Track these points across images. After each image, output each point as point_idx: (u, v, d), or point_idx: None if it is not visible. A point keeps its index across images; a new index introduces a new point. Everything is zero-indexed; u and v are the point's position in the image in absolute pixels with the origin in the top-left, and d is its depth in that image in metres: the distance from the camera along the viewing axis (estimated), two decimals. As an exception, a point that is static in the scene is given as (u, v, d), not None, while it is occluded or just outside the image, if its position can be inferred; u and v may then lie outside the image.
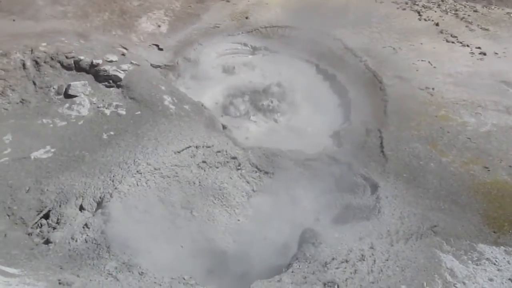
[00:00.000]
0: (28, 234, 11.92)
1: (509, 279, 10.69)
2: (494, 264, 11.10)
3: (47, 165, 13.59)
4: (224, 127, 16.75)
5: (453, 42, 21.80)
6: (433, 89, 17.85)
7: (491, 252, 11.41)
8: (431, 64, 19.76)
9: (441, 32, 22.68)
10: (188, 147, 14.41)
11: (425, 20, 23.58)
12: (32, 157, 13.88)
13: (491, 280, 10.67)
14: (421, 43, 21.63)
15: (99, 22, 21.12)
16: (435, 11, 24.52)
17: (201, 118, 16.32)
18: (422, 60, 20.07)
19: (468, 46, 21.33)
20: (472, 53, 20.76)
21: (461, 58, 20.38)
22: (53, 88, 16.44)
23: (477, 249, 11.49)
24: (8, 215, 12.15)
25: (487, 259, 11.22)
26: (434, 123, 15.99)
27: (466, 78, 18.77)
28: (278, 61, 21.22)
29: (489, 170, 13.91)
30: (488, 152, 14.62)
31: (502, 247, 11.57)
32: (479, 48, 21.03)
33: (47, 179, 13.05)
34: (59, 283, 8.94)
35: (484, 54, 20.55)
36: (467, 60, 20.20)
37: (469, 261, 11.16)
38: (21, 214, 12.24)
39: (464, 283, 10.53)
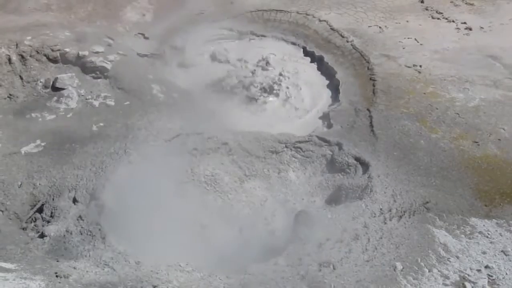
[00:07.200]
0: (23, 229, 11.93)
1: (502, 251, 10.82)
2: (487, 237, 11.23)
3: (38, 159, 13.56)
4: (213, 113, 16.68)
5: (438, 19, 21.83)
6: (420, 66, 17.91)
7: (483, 225, 11.55)
8: (418, 42, 19.80)
9: (427, 9, 22.69)
10: (178, 135, 14.42)
11: (410, -3, 23.57)
12: (23, 152, 13.86)
13: (484, 253, 10.81)
14: (407, 21, 21.65)
15: (84, 14, 20.98)
16: (420, -12, 24.47)
17: (190, 106, 16.32)
18: (408, 38, 20.12)
19: (453, 21, 21.38)
20: (458, 28, 20.82)
21: (447, 34, 20.45)
22: (40, 82, 16.37)
23: (469, 223, 11.62)
24: (2, 211, 12.16)
25: (480, 232, 11.35)
26: (423, 100, 16.06)
27: (453, 54, 18.85)
28: (265, 45, 21.14)
29: (478, 145, 14.02)
30: (477, 127, 14.71)
31: (494, 220, 11.72)
32: (464, 23, 21.06)
33: (39, 173, 13.04)
34: (56, 276, 8.96)
35: (470, 29, 20.60)
36: (453, 36, 20.28)
37: (462, 235, 11.29)
38: (14, 209, 12.25)
39: (457, 257, 10.66)
